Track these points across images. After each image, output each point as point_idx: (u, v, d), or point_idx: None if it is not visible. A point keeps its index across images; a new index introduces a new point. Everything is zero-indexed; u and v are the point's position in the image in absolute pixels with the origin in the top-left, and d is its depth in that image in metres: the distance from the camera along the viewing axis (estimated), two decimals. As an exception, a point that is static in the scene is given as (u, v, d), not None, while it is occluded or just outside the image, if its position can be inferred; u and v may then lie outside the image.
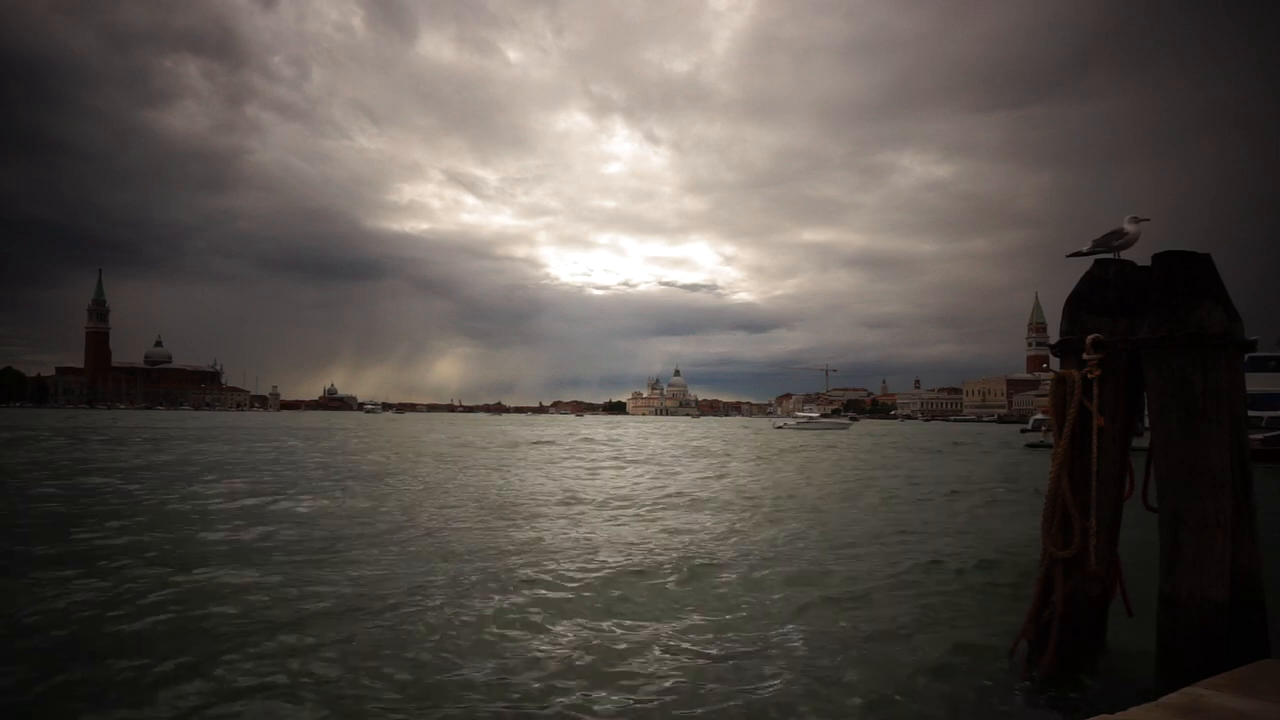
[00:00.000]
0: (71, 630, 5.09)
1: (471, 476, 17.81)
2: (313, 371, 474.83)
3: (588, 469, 21.20)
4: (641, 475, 19.03)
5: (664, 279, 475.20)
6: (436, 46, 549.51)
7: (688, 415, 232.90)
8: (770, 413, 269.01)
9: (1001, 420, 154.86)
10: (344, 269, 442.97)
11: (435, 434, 47.42)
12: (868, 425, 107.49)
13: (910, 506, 13.29)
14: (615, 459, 25.69)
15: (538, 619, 5.59)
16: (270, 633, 5.06)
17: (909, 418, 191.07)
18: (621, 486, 15.97)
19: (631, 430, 65.76)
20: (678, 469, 21.68)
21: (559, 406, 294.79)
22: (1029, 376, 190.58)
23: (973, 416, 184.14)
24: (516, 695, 4.13)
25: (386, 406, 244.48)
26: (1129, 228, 4.15)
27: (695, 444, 39.20)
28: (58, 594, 5.94)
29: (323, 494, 13.41)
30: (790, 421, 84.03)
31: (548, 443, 37.30)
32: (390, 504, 12.10)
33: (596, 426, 79.78)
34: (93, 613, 5.47)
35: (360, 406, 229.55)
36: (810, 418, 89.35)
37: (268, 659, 4.58)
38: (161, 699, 3.98)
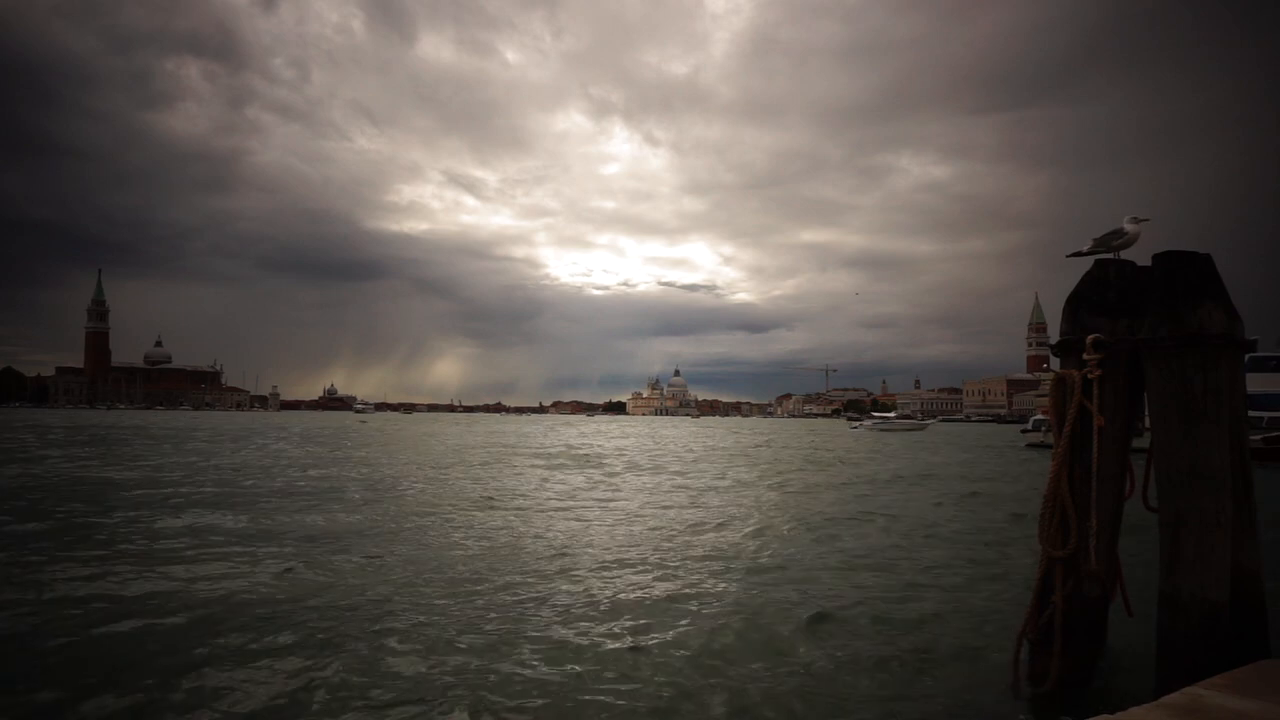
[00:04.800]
0: None
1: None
2: (313, 371, 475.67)
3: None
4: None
5: (663, 279, 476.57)
6: (435, 48, 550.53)
7: (687, 415, 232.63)
8: (769, 413, 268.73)
9: (1000, 420, 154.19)
10: (344, 269, 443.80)
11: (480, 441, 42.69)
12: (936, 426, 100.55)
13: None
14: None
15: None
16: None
17: (907, 418, 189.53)
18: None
19: (680, 434, 61.58)
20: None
21: (559, 407, 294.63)
22: (1029, 376, 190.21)
23: (961, 417, 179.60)
24: None
25: (381, 407, 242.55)
26: (1128, 228, 4.14)
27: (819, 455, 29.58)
28: None
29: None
30: (867, 423, 78.62)
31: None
32: None
33: (631, 426, 76.38)
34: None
35: (353, 407, 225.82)
36: (885, 418, 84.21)
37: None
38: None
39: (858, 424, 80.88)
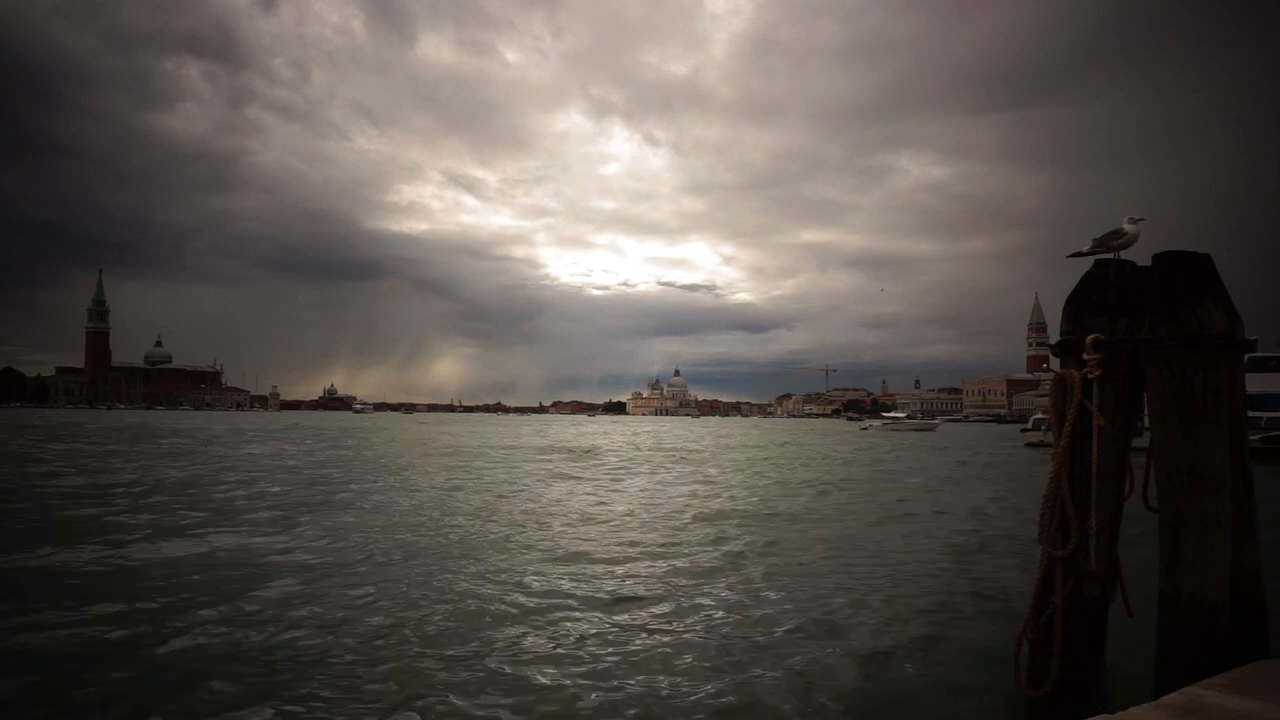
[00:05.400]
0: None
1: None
2: (313, 371, 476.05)
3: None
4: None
5: (663, 279, 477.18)
6: (435, 48, 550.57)
7: (688, 415, 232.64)
8: (769, 413, 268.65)
9: (1000, 420, 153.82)
10: (344, 269, 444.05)
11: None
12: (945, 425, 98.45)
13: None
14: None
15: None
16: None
17: (911, 418, 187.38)
18: None
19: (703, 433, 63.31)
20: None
21: (559, 407, 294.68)
22: (1029, 376, 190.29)
23: (960, 417, 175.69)
24: None
25: (380, 407, 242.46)
26: (1128, 228, 4.14)
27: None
28: None
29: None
30: (876, 424, 79.62)
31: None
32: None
33: (639, 426, 75.52)
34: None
35: (352, 407, 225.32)
36: (896, 418, 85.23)
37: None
38: None
39: (868, 424, 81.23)
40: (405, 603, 6.03)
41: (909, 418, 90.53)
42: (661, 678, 4.45)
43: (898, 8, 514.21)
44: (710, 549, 8.68)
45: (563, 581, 6.86)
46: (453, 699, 4.09)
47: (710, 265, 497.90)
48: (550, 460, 24.55)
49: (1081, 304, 4.03)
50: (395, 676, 4.39)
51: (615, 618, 5.69)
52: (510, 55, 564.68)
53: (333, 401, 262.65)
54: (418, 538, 9.06)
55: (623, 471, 20.65)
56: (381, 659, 4.67)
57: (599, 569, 7.46)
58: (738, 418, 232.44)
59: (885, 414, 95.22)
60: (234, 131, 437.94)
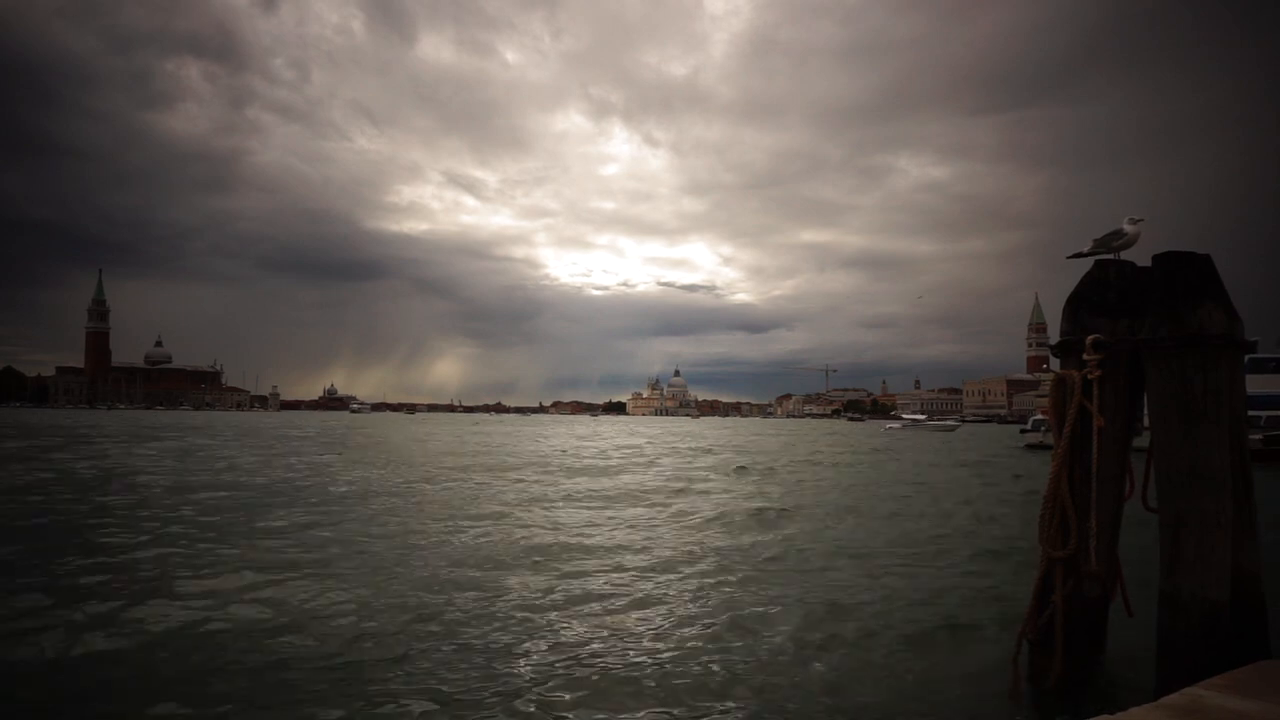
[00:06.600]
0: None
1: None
2: (313, 371, 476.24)
3: None
4: None
5: (663, 279, 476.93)
6: (435, 48, 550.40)
7: (687, 415, 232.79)
8: (769, 413, 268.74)
9: (1001, 421, 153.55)
10: (344, 269, 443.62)
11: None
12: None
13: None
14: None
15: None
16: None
17: (923, 417, 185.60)
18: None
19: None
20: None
21: (559, 407, 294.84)
22: (1029, 377, 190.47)
23: (955, 419, 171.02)
24: None
25: (379, 407, 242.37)
26: (1128, 228, 4.15)
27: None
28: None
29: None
30: (895, 425, 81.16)
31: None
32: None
33: (645, 427, 75.38)
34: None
35: (349, 407, 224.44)
36: (915, 419, 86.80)
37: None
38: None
39: (889, 425, 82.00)
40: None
41: (928, 419, 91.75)
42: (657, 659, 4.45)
43: (898, 8, 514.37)
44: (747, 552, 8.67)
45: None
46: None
47: (710, 265, 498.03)
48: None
49: (1082, 304, 4.04)
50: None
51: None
52: (510, 55, 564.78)
53: (332, 402, 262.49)
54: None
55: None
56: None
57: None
58: (738, 418, 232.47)
59: (905, 415, 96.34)
60: (234, 131, 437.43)
